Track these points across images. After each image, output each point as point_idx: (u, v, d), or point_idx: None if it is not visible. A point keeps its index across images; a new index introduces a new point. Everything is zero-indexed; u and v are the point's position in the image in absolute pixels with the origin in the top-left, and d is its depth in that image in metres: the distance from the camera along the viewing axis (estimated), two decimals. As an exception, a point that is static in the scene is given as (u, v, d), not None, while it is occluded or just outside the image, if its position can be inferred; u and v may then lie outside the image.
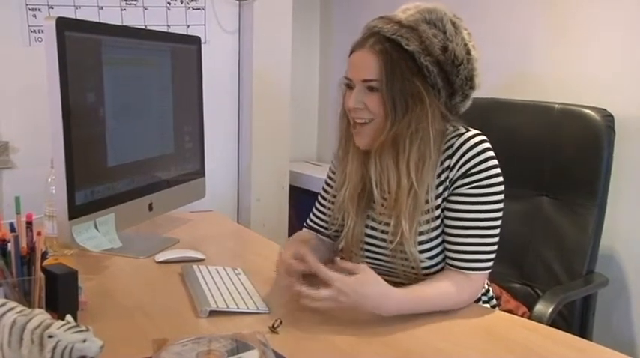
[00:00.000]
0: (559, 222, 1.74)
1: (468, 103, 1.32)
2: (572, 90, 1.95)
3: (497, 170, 1.27)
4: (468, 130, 1.30)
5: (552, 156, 1.76)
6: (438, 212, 1.29)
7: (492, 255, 1.27)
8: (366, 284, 1.17)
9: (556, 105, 1.78)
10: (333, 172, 1.47)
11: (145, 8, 2.26)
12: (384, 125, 1.25)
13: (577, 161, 1.72)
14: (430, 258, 1.30)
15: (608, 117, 1.71)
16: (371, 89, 1.25)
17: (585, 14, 1.95)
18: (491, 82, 1.97)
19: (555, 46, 2.04)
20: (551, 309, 1.50)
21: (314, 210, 1.51)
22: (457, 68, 1.25)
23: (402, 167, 1.25)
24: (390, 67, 1.22)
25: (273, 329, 1.13)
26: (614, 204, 1.77)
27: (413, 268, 1.31)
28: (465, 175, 1.26)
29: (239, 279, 1.38)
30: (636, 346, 1.88)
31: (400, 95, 1.23)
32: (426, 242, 1.29)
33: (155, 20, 2.28)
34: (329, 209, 1.46)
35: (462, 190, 1.26)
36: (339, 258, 1.22)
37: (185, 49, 1.88)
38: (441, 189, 1.28)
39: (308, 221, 1.52)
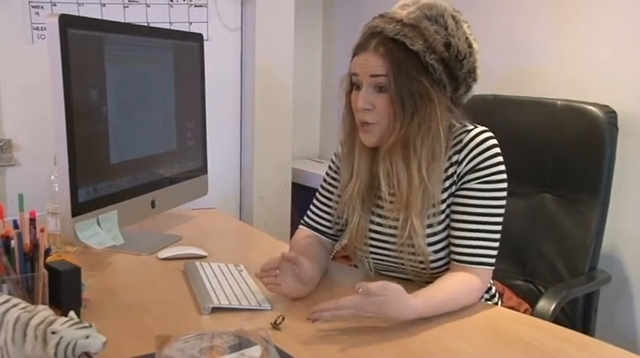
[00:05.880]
0: (562, 219, 1.74)
1: (470, 94, 1.33)
2: (575, 87, 1.95)
3: (504, 167, 1.28)
4: (476, 127, 1.31)
5: (555, 153, 1.76)
6: (444, 206, 1.29)
7: (495, 251, 1.28)
8: (390, 301, 1.13)
9: (559, 102, 1.77)
10: (335, 171, 1.45)
11: (148, 5, 2.27)
12: (392, 125, 1.25)
13: (580, 158, 1.72)
14: (436, 252, 1.30)
15: (611, 114, 1.70)
16: (379, 89, 1.24)
17: (588, 10, 1.95)
18: (494, 78, 1.97)
19: (558, 42, 2.03)
20: (553, 306, 1.50)
21: (313, 208, 1.49)
22: (461, 62, 1.25)
23: (413, 167, 1.25)
24: (396, 67, 1.22)
25: (275, 326, 1.13)
26: (617, 201, 1.77)
27: (421, 262, 1.31)
28: (473, 170, 1.27)
29: (241, 276, 1.38)
30: (639, 343, 1.88)
31: (409, 95, 1.23)
32: (433, 235, 1.30)
33: (157, 17, 2.28)
34: (333, 208, 1.44)
35: (470, 185, 1.27)
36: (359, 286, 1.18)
37: (187, 47, 1.88)
38: (448, 183, 1.29)
39: (307, 219, 1.49)
